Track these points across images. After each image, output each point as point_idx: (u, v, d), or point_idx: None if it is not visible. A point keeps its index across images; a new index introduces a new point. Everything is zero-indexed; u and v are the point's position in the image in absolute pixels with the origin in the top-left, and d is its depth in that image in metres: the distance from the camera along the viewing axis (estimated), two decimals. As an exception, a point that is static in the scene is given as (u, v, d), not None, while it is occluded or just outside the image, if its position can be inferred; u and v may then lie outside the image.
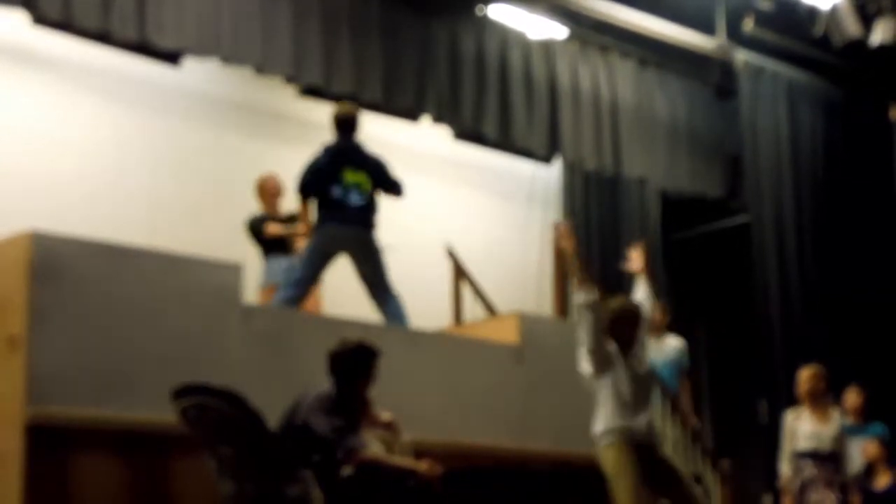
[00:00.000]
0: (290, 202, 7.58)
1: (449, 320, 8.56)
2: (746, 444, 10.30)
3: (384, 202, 8.39)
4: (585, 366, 5.91)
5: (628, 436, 5.78)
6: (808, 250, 10.70)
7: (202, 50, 7.74)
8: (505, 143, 9.53)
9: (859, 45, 9.55)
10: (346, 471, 4.91)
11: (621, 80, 10.08)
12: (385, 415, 5.38)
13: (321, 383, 5.17)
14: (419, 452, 5.38)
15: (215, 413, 4.70)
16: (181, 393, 4.79)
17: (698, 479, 8.25)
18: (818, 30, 9.55)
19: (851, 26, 9.42)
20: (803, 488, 7.11)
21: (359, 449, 4.94)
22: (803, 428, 7.18)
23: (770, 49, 10.53)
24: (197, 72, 8.40)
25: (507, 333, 7.09)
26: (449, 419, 6.48)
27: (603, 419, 5.85)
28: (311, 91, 8.64)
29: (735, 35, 10.15)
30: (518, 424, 6.87)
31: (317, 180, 6.69)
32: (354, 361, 5.15)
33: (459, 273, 8.74)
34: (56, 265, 5.20)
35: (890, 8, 9.40)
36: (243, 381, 5.28)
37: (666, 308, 8.44)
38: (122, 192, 8.01)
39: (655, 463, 5.87)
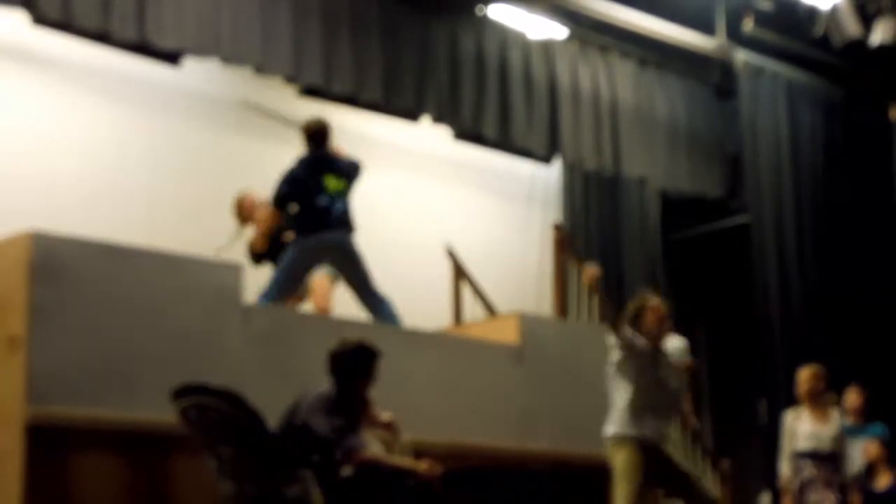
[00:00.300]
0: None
1: (449, 320, 8.56)
2: (746, 444, 10.30)
3: (383, 203, 8.43)
4: (615, 354, 5.86)
5: (639, 441, 5.78)
6: (807, 250, 10.70)
7: (202, 50, 7.74)
8: (505, 143, 9.53)
9: (859, 46, 9.55)
10: (346, 471, 4.91)
11: (621, 80, 10.08)
12: (385, 415, 5.39)
13: (321, 383, 5.17)
14: (419, 452, 5.38)
15: (215, 413, 4.70)
16: (181, 393, 4.79)
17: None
18: (818, 30, 9.55)
19: (851, 26, 9.42)
20: (803, 488, 7.11)
21: (358, 449, 4.95)
22: (803, 428, 7.18)
23: (770, 49, 10.53)
24: (197, 72, 8.39)
25: (506, 333, 7.09)
26: (449, 419, 6.48)
27: (617, 423, 5.84)
28: (311, 91, 8.64)
29: (735, 35, 10.15)
30: (518, 424, 6.87)
31: (296, 191, 6.74)
32: (354, 362, 5.16)
33: (459, 273, 8.74)
34: (56, 265, 5.20)
35: (890, 8, 9.40)
36: (243, 380, 5.28)
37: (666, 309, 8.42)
38: (122, 193, 8.00)
39: (664, 464, 5.86)
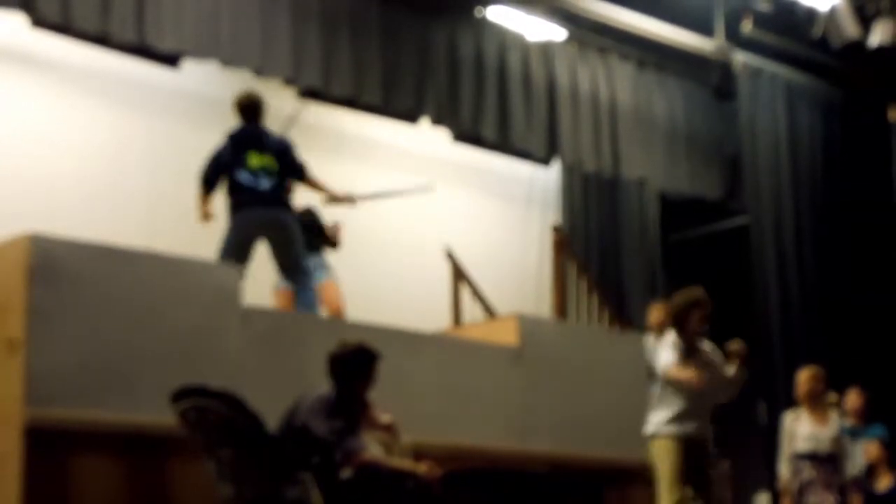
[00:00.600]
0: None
1: (448, 322, 8.55)
2: (746, 446, 10.29)
3: (383, 205, 8.42)
4: (665, 356, 5.83)
5: (683, 439, 5.80)
6: (807, 252, 10.69)
7: (201, 52, 7.74)
8: (504, 145, 9.53)
9: (858, 47, 9.55)
10: (346, 473, 4.90)
11: (620, 81, 10.07)
12: (384, 417, 5.38)
13: (321, 385, 5.16)
14: (418, 454, 5.38)
15: (214, 415, 4.69)
16: (180, 395, 4.78)
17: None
18: (817, 31, 9.55)
19: (850, 27, 9.42)
20: (802, 490, 7.10)
21: (358, 451, 4.94)
22: (802, 429, 7.17)
23: (769, 50, 10.52)
24: (196, 74, 8.39)
25: (506, 335, 7.09)
26: (448, 421, 6.47)
27: (660, 421, 5.85)
28: (311, 93, 8.63)
29: (734, 36, 10.15)
30: (517, 426, 6.87)
31: (219, 168, 6.60)
32: (354, 364, 5.15)
33: (458, 275, 8.73)
34: (55, 267, 5.19)
35: (888, 9, 9.40)
36: (242, 382, 5.28)
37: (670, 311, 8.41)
38: (121, 194, 8.00)
39: (700, 462, 5.87)
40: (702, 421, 5.92)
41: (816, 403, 7.24)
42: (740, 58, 10.45)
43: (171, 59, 8.13)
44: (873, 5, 9.44)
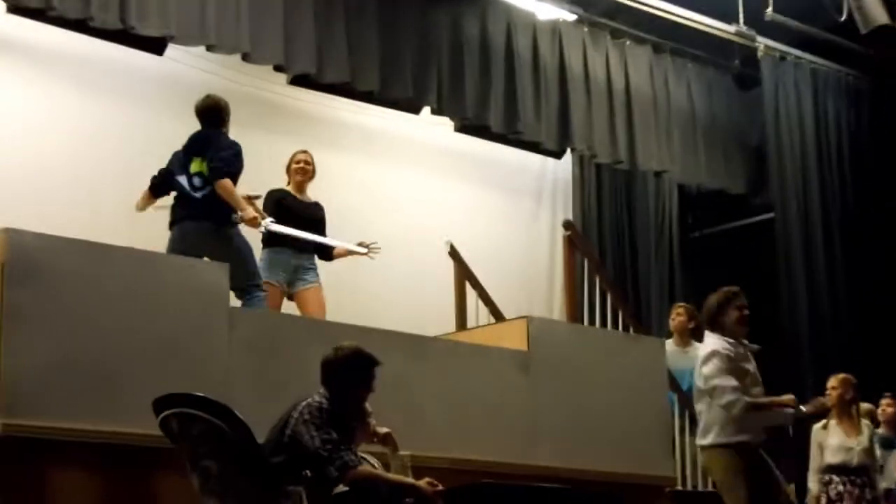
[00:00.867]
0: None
1: (452, 325, 8.52)
2: (772, 456, 10.23)
3: (383, 203, 8.39)
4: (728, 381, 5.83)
5: (742, 447, 5.84)
6: (836, 249, 10.66)
7: (187, 38, 7.71)
8: (511, 135, 9.49)
9: (886, 31, 9.52)
10: (340, 488, 4.86)
11: (635, 67, 10.03)
12: (381, 428, 5.33)
13: (313, 393, 5.12)
14: (419, 468, 5.34)
15: (201, 424, 4.65)
16: (164, 403, 4.74)
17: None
18: (843, 15, 9.52)
19: (877, 11, 9.40)
20: (832, 505, 7.08)
21: (353, 464, 4.89)
22: (831, 441, 7.15)
23: (793, 35, 10.49)
24: (181, 60, 8.35)
25: (514, 339, 7.05)
26: (452, 431, 6.44)
27: (718, 431, 5.88)
28: (303, 80, 8.58)
29: (756, 20, 10.11)
30: (525, 437, 6.83)
31: (165, 172, 6.60)
32: (350, 370, 5.09)
33: (464, 275, 8.68)
34: (31, 264, 5.17)
35: (918, -8, 9.38)
36: (230, 389, 5.27)
37: (694, 314, 8.39)
38: (101, 185, 7.97)
39: (760, 467, 5.93)
40: (756, 427, 5.92)
41: (847, 413, 7.20)
42: (763, 42, 10.41)
43: (156, 46, 8.09)
44: (901, -12, 9.42)
